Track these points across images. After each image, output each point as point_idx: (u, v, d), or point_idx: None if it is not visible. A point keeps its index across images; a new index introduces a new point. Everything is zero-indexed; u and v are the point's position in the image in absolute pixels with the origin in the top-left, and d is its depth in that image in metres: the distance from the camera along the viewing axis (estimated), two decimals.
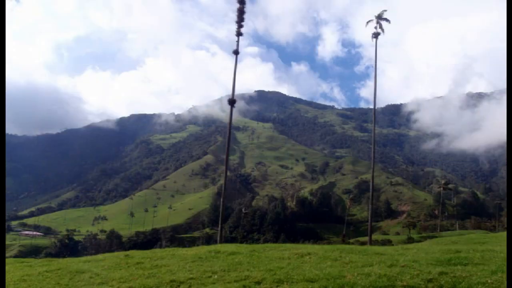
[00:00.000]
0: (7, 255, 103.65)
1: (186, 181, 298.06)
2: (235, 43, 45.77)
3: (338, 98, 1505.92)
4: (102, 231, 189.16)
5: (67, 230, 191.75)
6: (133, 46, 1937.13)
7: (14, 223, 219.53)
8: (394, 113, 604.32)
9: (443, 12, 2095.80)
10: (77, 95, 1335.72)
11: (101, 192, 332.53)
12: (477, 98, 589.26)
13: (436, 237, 69.05)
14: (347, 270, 11.19)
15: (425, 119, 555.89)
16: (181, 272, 12.11)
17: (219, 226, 46.17)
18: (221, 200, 46.70)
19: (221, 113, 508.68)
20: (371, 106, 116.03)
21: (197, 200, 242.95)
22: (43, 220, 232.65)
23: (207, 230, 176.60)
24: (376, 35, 51.63)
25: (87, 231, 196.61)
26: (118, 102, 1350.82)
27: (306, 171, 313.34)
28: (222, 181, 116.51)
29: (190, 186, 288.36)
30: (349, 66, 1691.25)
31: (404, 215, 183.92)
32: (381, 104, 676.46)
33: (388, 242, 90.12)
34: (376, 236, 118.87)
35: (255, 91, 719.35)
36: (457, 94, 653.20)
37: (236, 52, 46.22)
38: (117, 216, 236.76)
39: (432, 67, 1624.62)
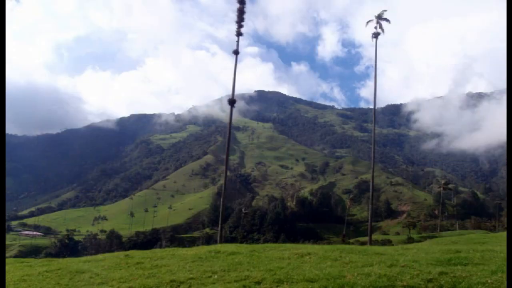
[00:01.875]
0: (7, 255, 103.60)
1: (186, 181, 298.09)
2: (235, 43, 45.80)
3: (338, 98, 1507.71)
4: (102, 231, 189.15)
5: (67, 230, 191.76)
6: (133, 46, 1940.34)
7: (14, 223, 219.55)
8: (394, 113, 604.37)
9: (443, 12, 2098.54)
10: (77, 95, 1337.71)
11: (101, 192, 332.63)
12: (477, 98, 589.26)
13: (436, 237, 69.05)
14: (347, 270, 11.18)
15: (425, 119, 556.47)
16: (181, 272, 12.11)
17: (219, 226, 46.16)
18: (221, 200, 46.69)
19: (221, 113, 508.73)
20: (371, 106, 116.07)
21: (197, 200, 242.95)
22: (43, 220, 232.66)
23: (207, 230, 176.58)
24: (376, 35, 51.62)
25: (87, 231, 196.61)
26: (118, 102, 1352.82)
27: (306, 171, 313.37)
28: (222, 181, 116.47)
29: (190, 186, 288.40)
30: (349, 66, 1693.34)
31: (404, 215, 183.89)
32: (381, 104, 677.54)
33: (388, 242, 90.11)
34: (376, 236, 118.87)
35: (255, 91, 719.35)
36: (457, 94, 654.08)
37: (236, 52, 46.20)
38: (117, 216, 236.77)
39: (432, 67, 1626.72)
